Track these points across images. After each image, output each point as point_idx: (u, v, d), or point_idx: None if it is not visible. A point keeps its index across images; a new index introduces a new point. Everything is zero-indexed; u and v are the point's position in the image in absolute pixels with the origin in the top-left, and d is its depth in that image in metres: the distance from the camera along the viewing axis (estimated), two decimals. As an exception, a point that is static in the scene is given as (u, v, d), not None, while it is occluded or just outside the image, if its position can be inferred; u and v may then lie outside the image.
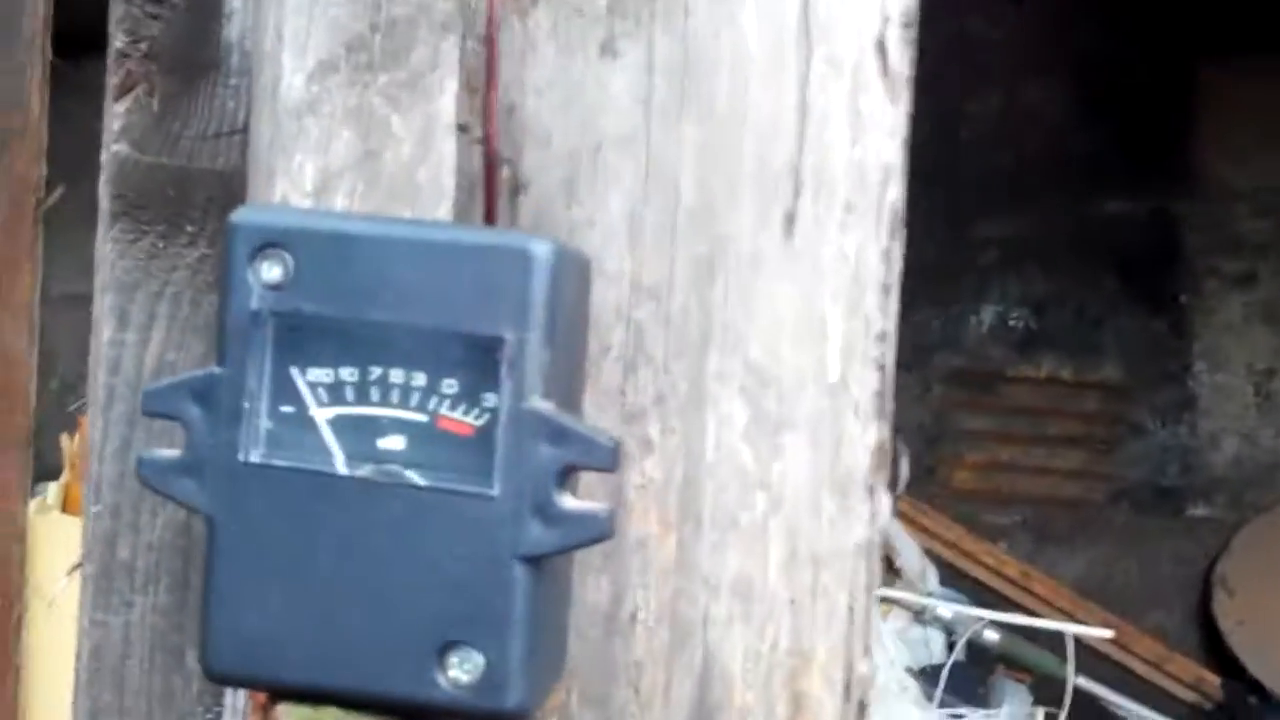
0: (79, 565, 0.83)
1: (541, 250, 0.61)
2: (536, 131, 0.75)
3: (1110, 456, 4.23)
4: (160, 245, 0.79)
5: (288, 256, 0.62)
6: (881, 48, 0.77)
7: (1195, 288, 4.19)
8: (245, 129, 0.78)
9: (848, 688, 0.82)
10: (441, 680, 0.62)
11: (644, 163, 0.75)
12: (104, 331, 0.79)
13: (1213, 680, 4.00)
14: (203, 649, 0.63)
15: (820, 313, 0.78)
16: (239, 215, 0.63)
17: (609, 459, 0.61)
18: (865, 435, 0.79)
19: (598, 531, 0.61)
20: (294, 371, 0.63)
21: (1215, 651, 4.08)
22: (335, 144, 0.68)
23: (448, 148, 0.69)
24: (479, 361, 0.61)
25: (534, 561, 0.62)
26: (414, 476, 0.62)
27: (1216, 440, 4.21)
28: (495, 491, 0.61)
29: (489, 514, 0.61)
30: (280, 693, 0.63)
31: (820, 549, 0.79)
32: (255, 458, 0.63)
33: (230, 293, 0.63)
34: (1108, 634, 3.22)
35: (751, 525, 0.78)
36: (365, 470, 0.62)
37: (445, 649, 0.62)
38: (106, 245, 0.79)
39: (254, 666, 0.63)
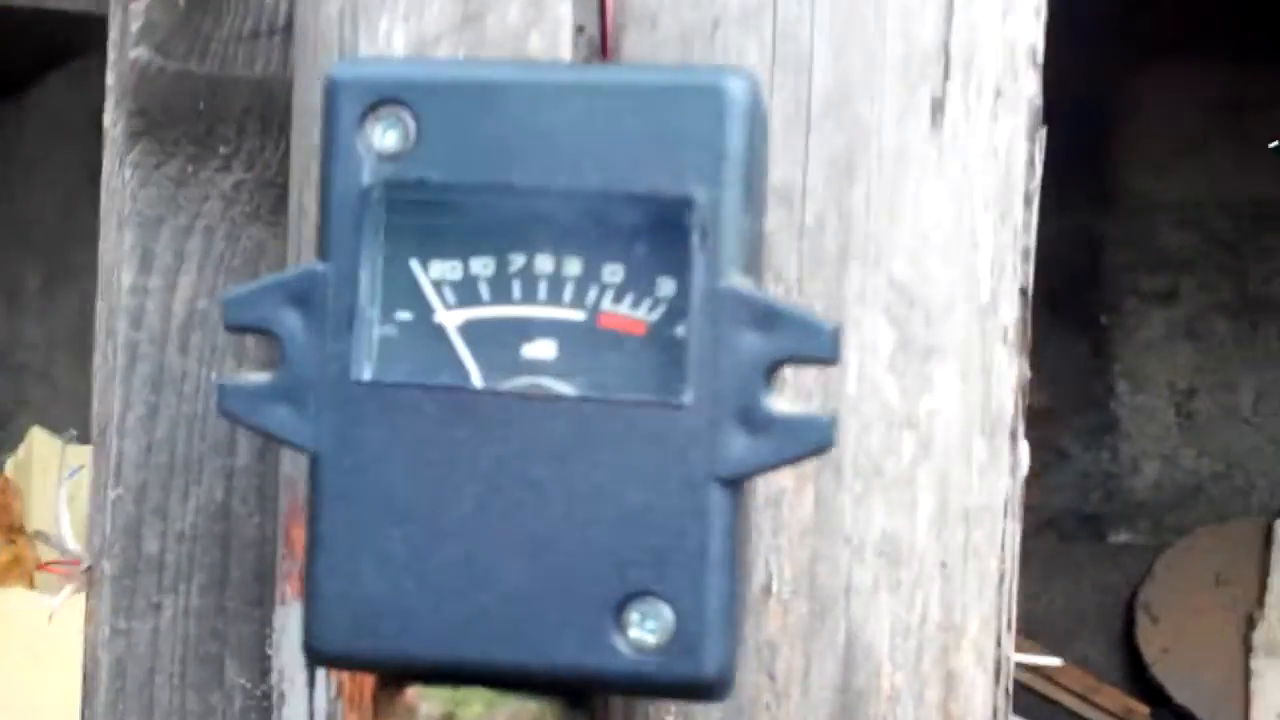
0: (87, 569, 0.69)
1: (738, 87, 0.48)
2: (639, 10, 0.63)
3: (1035, 486, 4.16)
4: (189, 170, 0.66)
5: (408, 116, 0.49)
6: (1033, -92, 0.67)
7: (1116, 307, 4.14)
8: (289, 26, 0.65)
9: (998, 668, 0.70)
10: (620, 644, 0.49)
11: (770, 42, 0.64)
12: (124, 277, 0.65)
13: (1141, 710, 3.93)
14: (308, 623, 0.50)
15: (970, 220, 0.67)
16: (341, 69, 0.50)
17: (830, 347, 0.49)
18: (1011, 369, 0.68)
19: (818, 440, 0.49)
20: (414, 266, 0.50)
21: (1141, 680, 4.01)
22: (430, 6, 0.56)
23: (564, 9, 0.57)
24: (655, 236, 0.49)
25: (733, 485, 0.49)
26: (568, 389, 0.49)
27: (1138, 464, 4.16)
28: (687, 397, 0.48)
29: (677, 427, 0.48)
30: (412, 673, 0.50)
31: (971, 502, 0.68)
32: (368, 375, 0.50)
33: (334, 166, 0.50)
34: (1055, 661, 3.13)
35: (898, 473, 0.66)
36: (510, 384, 0.50)
37: (624, 603, 0.49)
38: (125, 172, 0.66)
39: (376, 642, 0.50)
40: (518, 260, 0.50)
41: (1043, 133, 0.68)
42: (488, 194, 0.49)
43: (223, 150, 0.66)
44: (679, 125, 0.48)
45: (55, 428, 2.51)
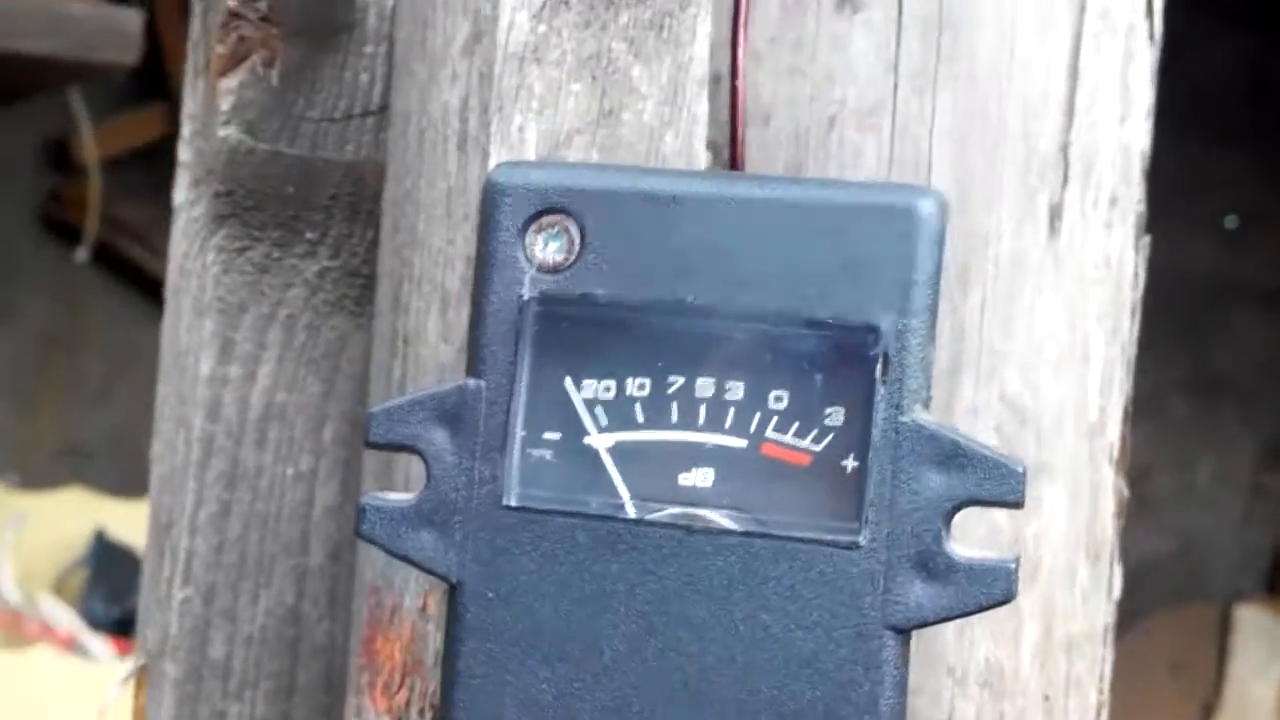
0: (138, 670, 0.65)
1: (929, 208, 0.46)
2: (753, 106, 0.61)
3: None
4: (274, 256, 0.62)
5: (573, 226, 0.47)
6: (1150, 9, 0.65)
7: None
8: (382, 108, 0.62)
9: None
10: None
11: (889, 141, 0.62)
12: (202, 366, 0.62)
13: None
14: None
15: (1083, 334, 0.64)
16: (504, 173, 0.47)
17: (1018, 491, 0.46)
18: (1115, 490, 0.66)
19: (1003, 591, 0.46)
20: (568, 384, 0.47)
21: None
22: (566, 101, 0.53)
23: (700, 108, 0.54)
24: (831, 362, 0.46)
25: (905, 635, 0.46)
26: (726, 520, 0.47)
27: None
28: (863, 538, 0.46)
29: (850, 569, 0.45)
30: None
31: (1074, 629, 0.65)
32: (515, 500, 0.47)
33: (493, 278, 0.47)
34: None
35: (1004, 599, 0.64)
36: (665, 514, 0.47)
37: None
38: (208, 255, 0.62)
39: None
40: (676, 382, 0.47)
41: (1146, 241, 0.66)
42: (654, 312, 0.47)
43: (309, 235, 0.62)
44: (866, 247, 0.45)
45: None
